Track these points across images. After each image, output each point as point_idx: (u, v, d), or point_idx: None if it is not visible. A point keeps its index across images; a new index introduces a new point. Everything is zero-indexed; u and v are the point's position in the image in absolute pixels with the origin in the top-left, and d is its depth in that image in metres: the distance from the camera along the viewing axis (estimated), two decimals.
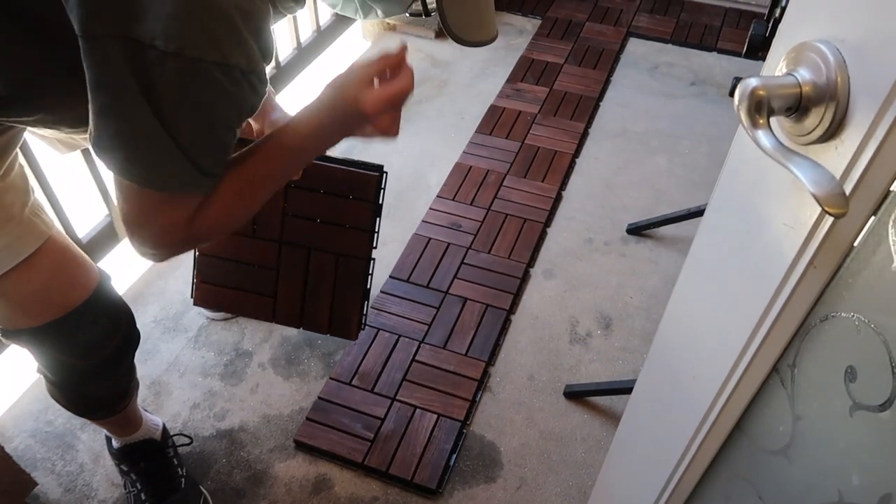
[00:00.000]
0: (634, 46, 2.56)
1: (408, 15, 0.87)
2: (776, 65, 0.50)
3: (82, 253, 0.97)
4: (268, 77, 0.80)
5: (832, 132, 0.45)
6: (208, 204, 0.77)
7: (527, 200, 1.91)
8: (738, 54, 2.52)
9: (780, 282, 0.51)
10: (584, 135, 2.15)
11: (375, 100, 0.80)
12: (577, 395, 1.47)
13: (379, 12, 0.86)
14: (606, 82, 2.37)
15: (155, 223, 0.75)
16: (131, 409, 1.19)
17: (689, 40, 2.57)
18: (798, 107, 0.46)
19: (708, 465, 0.73)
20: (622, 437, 0.97)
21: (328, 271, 1.27)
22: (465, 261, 1.73)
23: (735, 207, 0.59)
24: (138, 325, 1.07)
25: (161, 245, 0.77)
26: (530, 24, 2.67)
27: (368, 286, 1.27)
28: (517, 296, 1.67)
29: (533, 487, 1.32)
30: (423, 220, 1.84)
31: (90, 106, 0.67)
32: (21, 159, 0.90)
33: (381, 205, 1.25)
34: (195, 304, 1.33)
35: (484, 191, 1.93)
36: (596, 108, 2.26)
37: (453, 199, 1.91)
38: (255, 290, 1.29)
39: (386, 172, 1.24)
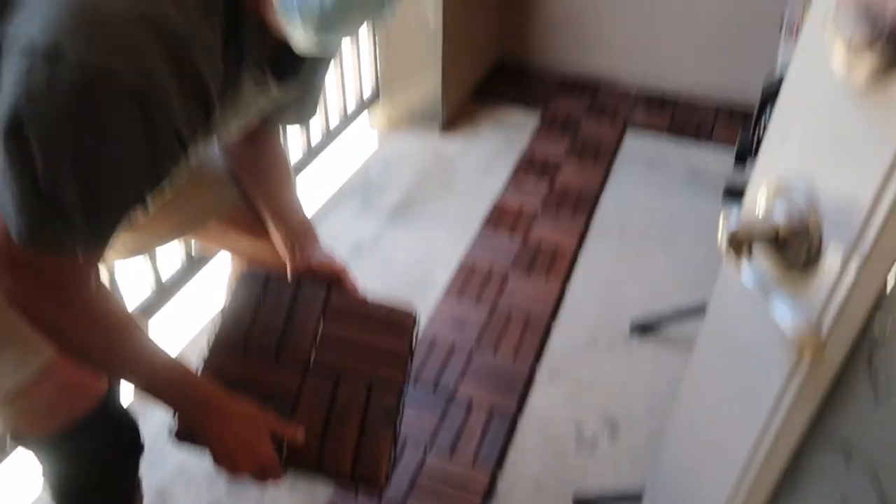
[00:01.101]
0: (632, 141, 2.66)
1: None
2: (756, 196, 0.54)
3: None
4: (194, 139, 0.71)
5: (810, 263, 0.49)
6: (83, 308, 0.76)
7: (531, 298, 1.95)
8: (731, 147, 2.60)
9: (770, 412, 0.54)
10: (585, 231, 2.21)
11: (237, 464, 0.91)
12: (586, 503, 1.46)
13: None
14: (605, 177, 2.45)
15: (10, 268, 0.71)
16: None
17: (685, 135, 2.67)
18: (777, 239, 0.51)
19: None
20: None
21: (357, 405, 1.10)
22: (470, 362, 1.76)
23: (724, 336, 0.62)
24: (146, 429, 1.09)
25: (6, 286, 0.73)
26: (531, 120, 2.77)
27: (399, 425, 1.12)
28: (523, 399, 1.68)
29: None
30: (429, 319, 1.87)
31: None
32: None
33: (414, 350, 1.22)
34: (176, 438, 0.97)
35: (489, 289, 1.97)
36: (596, 203, 2.33)
37: (458, 298, 1.94)
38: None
39: (418, 317, 1.25)
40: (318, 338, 1.14)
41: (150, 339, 0.88)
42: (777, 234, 0.51)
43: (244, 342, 1.09)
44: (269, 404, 1.01)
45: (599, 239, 2.19)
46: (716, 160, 2.56)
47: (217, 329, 1.09)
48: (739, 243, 0.50)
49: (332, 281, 1.21)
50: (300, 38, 0.72)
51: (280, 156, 1.20)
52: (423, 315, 1.89)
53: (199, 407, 0.89)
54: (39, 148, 0.62)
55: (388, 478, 1.05)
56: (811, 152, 0.50)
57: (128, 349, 0.84)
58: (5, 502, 1.44)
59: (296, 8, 0.68)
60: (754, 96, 1.18)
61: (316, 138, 2.32)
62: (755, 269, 0.49)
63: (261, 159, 1.14)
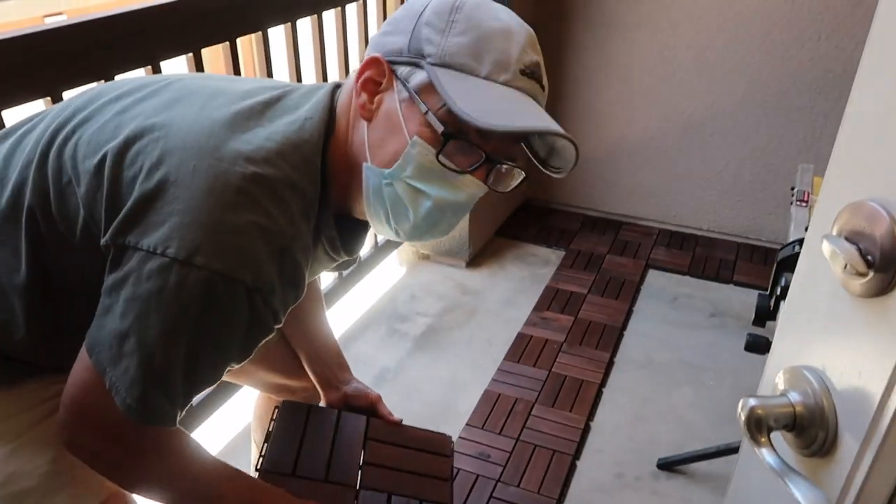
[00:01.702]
0: (654, 278, 2.72)
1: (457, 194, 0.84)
2: (773, 380, 0.58)
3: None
4: (285, 313, 0.81)
5: (827, 449, 0.52)
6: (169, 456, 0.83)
7: (555, 431, 1.93)
8: (753, 287, 2.64)
9: None
10: (610, 364, 2.22)
11: None
12: None
13: (428, 203, 0.83)
14: (629, 312, 2.49)
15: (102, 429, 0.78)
16: None
17: (706, 273, 2.73)
18: (794, 425, 0.53)
19: None
20: None
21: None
22: (493, 495, 1.72)
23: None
24: None
25: (91, 447, 0.80)
26: (554, 256, 2.87)
27: None
28: None
29: None
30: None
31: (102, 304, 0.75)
32: None
33: (455, 476, 1.30)
34: None
35: (513, 420, 1.96)
36: (620, 337, 2.35)
37: (482, 428, 1.93)
38: None
39: (454, 444, 1.31)
40: (364, 463, 1.17)
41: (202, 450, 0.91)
42: (794, 417, 0.53)
43: (293, 467, 1.12)
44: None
45: (624, 372, 2.19)
46: (738, 299, 2.59)
47: (265, 455, 1.12)
48: (759, 421, 0.52)
49: (368, 410, 1.25)
50: (390, 236, 0.89)
51: (316, 291, 1.28)
52: None
53: None
54: (161, 337, 0.72)
55: None
56: (821, 346, 0.53)
57: (191, 467, 0.88)
58: None
59: (392, 228, 0.85)
60: (773, 235, 1.24)
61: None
62: (775, 452, 0.51)
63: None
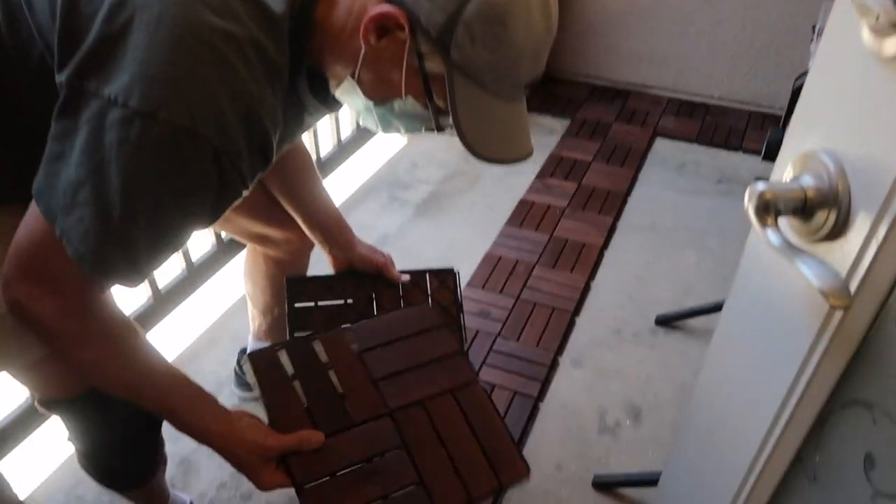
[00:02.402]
0: (661, 146, 2.66)
1: (423, 129, 0.86)
2: (784, 170, 0.55)
3: None
4: (253, 180, 0.79)
5: (837, 232, 0.49)
6: (103, 336, 0.80)
7: (556, 290, 1.94)
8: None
9: (797, 372, 0.54)
10: (613, 228, 2.20)
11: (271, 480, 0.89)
12: (605, 485, 1.44)
13: (401, 129, 0.88)
14: (634, 179, 2.45)
15: (47, 286, 0.74)
16: (157, 484, 1.21)
17: (715, 140, 2.66)
18: (804, 209, 0.51)
19: None
20: None
21: (456, 415, 1.04)
22: (493, 348, 1.76)
23: (752, 301, 0.63)
24: None
25: (34, 308, 0.75)
26: (560, 125, 2.79)
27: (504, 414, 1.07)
28: (545, 384, 1.67)
29: None
30: None
31: (49, 150, 0.70)
32: None
33: (461, 302, 1.26)
34: None
35: (513, 280, 1.98)
36: (624, 203, 2.33)
37: (483, 288, 1.95)
38: (395, 487, 0.95)
39: (458, 272, 1.29)
40: (373, 382, 1.05)
41: (152, 348, 0.88)
42: (805, 199, 0.50)
43: (310, 420, 0.99)
44: (384, 464, 0.96)
45: (627, 236, 2.19)
46: (746, 166, 2.54)
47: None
48: (767, 205, 0.50)
49: (376, 273, 1.24)
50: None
51: (304, 153, 1.23)
52: None
53: (199, 429, 0.89)
54: (121, 190, 0.68)
55: (525, 462, 1.02)
56: (840, 123, 0.50)
57: (129, 357, 0.85)
58: (39, 463, 1.48)
59: (355, 119, 0.81)
60: (785, 103, 1.18)
61: (346, 135, 2.36)
62: (780, 233, 0.49)
63: (287, 160, 1.18)
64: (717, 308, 1.77)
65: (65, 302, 0.76)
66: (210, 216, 0.77)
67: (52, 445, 1.50)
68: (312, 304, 1.23)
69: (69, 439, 1.06)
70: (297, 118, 0.86)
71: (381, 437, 1.00)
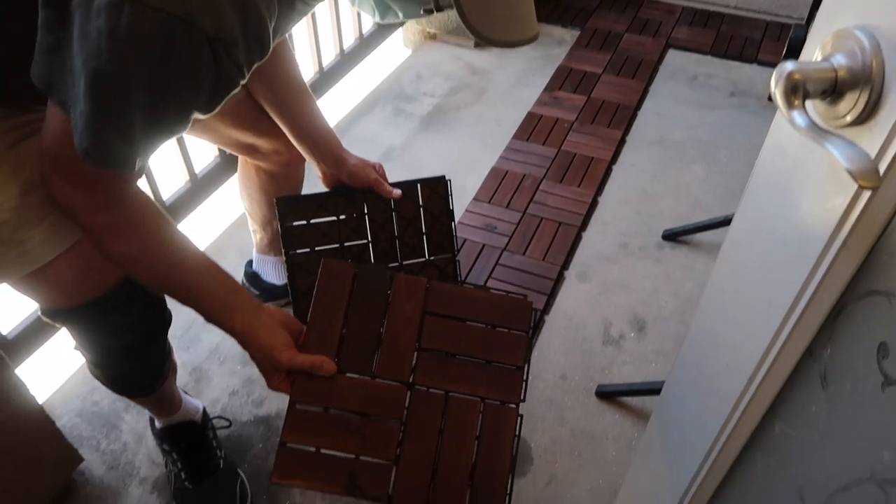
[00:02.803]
0: (673, 57, 2.57)
1: (422, 11, 0.83)
2: (812, 53, 0.52)
3: None
4: (250, 69, 0.77)
5: (867, 115, 0.47)
6: (135, 228, 0.83)
7: (562, 205, 1.93)
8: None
9: (814, 263, 0.53)
10: (621, 143, 2.16)
11: (295, 363, 0.91)
12: (609, 395, 1.47)
13: (399, 14, 0.85)
14: (644, 92, 2.38)
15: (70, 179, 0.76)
16: (168, 390, 1.23)
17: (729, 52, 2.57)
18: (833, 90, 0.48)
19: (738, 453, 0.74)
20: (653, 429, 0.98)
21: (471, 422, 0.96)
22: (499, 262, 1.76)
23: (770, 193, 0.61)
24: (181, 315, 1.11)
25: (66, 194, 0.78)
26: (569, 35, 2.69)
27: (516, 449, 0.97)
28: (551, 297, 1.68)
29: (563, 484, 1.33)
30: (459, 222, 1.87)
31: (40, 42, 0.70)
32: None
33: (453, 210, 1.27)
34: (274, 479, 0.91)
35: (520, 195, 1.96)
36: (633, 116, 2.27)
37: (489, 202, 1.93)
38: (367, 455, 0.93)
39: (450, 180, 1.27)
40: (418, 347, 0.99)
41: (192, 245, 0.90)
42: (835, 80, 0.48)
43: (336, 351, 0.97)
44: (374, 426, 0.94)
45: (636, 150, 2.15)
46: (761, 78, 2.46)
47: (304, 342, 0.96)
48: (795, 86, 0.47)
49: (367, 186, 1.22)
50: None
51: (293, 62, 1.18)
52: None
53: (224, 321, 0.91)
54: (118, 80, 0.67)
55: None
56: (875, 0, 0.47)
57: (161, 250, 0.87)
58: (55, 371, 1.51)
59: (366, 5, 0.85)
60: (804, 13, 1.12)
61: (348, 44, 2.29)
62: (808, 115, 0.46)
63: (275, 70, 1.14)
64: (725, 222, 1.75)
65: (93, 198, 0.79)
66: (207, 106, 0.75)
67: (67, 353, 1.53)
68: (304, 222, 1.22)
69: (76, 348, 1.08)
70: (289, 5, 0.83)
71: (388, 401, 0.95)
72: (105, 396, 1.48)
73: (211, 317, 0.90)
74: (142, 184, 1.04)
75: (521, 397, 0.97)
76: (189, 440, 1.29)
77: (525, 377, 0.99)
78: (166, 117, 0.73)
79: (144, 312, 1.06)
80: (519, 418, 0.97)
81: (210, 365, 1.54)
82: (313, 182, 1.31)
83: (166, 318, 1.12)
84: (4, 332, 1.38)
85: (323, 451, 0.92)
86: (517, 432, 0.96)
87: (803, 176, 0.54)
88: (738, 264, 0.69)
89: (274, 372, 0.92)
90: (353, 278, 1.00)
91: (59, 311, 0.97)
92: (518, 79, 2.46)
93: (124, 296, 0.99)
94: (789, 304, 0.56)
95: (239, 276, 1.69)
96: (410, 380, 0.97)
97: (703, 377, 0.81)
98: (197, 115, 0.76)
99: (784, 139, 0.56)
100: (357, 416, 0.94)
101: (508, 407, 0.97)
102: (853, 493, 0.52)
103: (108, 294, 0.96)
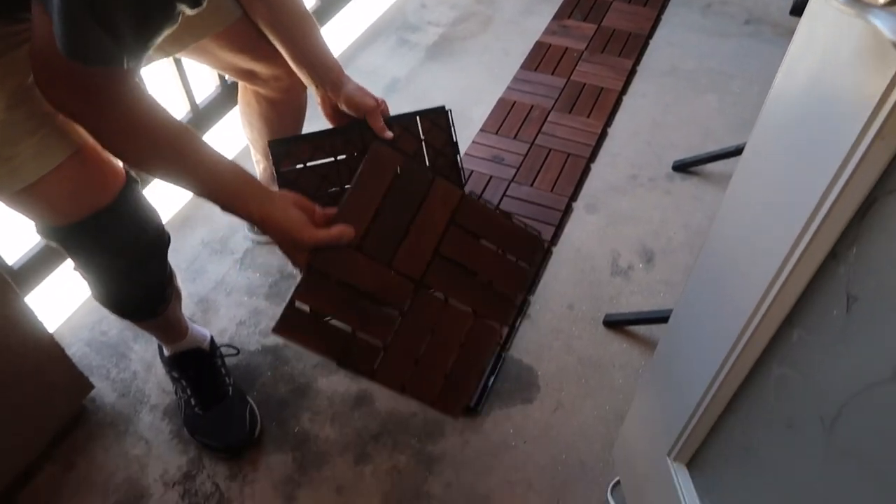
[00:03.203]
0: None
1: None
2: None
3: (110, 156, 0.99)
4: None
5: None
6: (127, 111, 0.81)
7: (571, 136, 1.89)
8: None
9: (846, 156, 0.50)
10: (632, 72, 2.10)
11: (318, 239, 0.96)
12: (616, 324, 1.47)
13: None
14: (657, 20, 2.31)
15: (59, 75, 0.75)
16: (173, 316, 1.23)
17: None
18: None
19: (751, 366, 0.73)
20: (662, 352, 0.97)
21: (460, 330, 1.08)
22: (506, 193, 1.73)
23: (800, 88, 0.58)
24: (187, 247, 1.10)
25: (58, 89, 0.77)
26: None
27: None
28: (559, 228, 1.66)
29: (569, 410, 1.34)
30: (465, 154, 1.84)
31: None
32: None
33: (457, 141, 1.22)
34: (275, 331, 0.98)
35: (528, 126, 1.91)
36: (645, 45, 2.21)
37: (496, 134, 1.89)
38: (364, 334, 1.03)
39: (450, 111, 1.22)
40: (436, 253, 1.06)
41: (201, 142, 0.90)
42: None
43: (363, 232, 1.02)
44: (377, 310, 1.03)
45: (647, 80, 2.09)
46: (777, 5, 2.38)
47: (344, 204, 1.02)
48: None
49: (364, 115, 1.17)
50: None
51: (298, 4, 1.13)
52: (461, 149, 1.86)
53: (241, 206, 0.95)
54: None
55: (462, 409, 1.09)
56: None
57: (171, 148, 0.87)
58: (63, 301, 1.51)
59: None
60: None
61: None
62: None
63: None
64: (737, 152, 1.71)
65: (88, 100, 0.78)
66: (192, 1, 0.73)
67: (73, 284, 1.53)
68: (301, 166, 1.16)
69: (75, 269, 1.07)
70: None
71: (395, 291, 1.04)
72: (113, 326, 1.48)
73: (228, 208, 0.94)
74: None
75: (509, 323, 1.12)
76: (197, 367, 1.30)
77: (519, 307, 1.15)
78: (151, 8, 0.71)
79: (142, 230, 1.04)
80: (498, 344, 1.13)
81: (217, 296, 1.54)
82: (316, 114, 1.28)
83: (164, 239, 1.10)
84: (10, 263, 1.37)
85: (325, 320, 1.01)
86: (491, 354, 1.12)
87: (836, 65, 0.51)
88: (761, 167, 0.66)
89: (297, 251, 0.97)
90: (396, 171, 1.05)
91: (54, 230, 0.95)
92: (526, 7, 2.38)
93: (120, 214, 0.98)
94: (816, 202, 0.54)
95: None
96: (420, 279, 1.05)
97: (716, 293, 0.79)
98: (184, 9, 0.73)
99: (817, 26, 0.53)
100: (365, 297, 1.02)
101: (492, 331, 1.10)
102: (874, 393, 0.51)
103: (102, 211, 0.94)
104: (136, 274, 1.08)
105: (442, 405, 1.07)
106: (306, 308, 1.01)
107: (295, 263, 1.00)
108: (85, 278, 1.08)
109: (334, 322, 1.03)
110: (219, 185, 0.93)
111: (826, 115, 0.54)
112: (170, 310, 1.19)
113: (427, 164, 1.22)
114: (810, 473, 0.61)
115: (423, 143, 1.21)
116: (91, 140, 0.92)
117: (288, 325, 0.98)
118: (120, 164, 0.99)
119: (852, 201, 0.52)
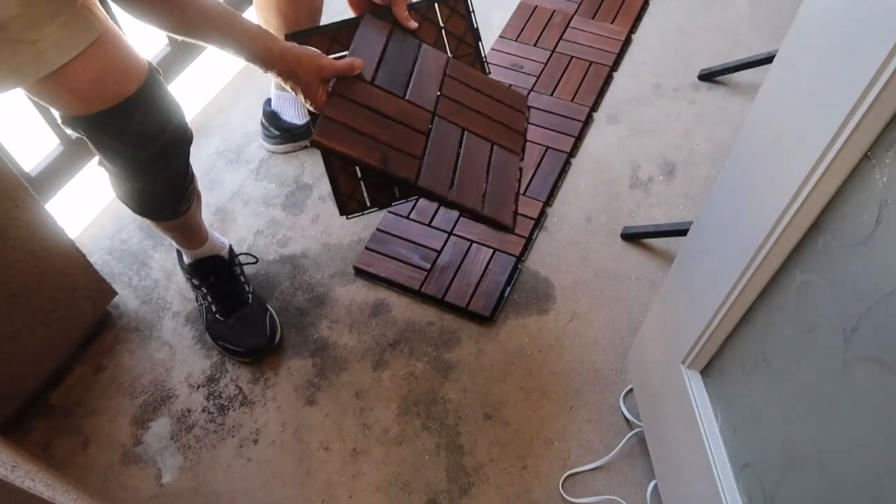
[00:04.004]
0: None
1: None
2: None
3: (132, 45, 0.97)
4: None
5: None
6: None
7: (594, 43, 1.81)
8: None
9: (890, 50, 0.48)
10: None
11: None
12: (634, 236, 1.46)
13: None
14: None
15: None
16: (193, 217, 1.22)
17: None
18: None
19: (773, 274, 0.73)
20: (681, 262, 0.96)
21: (482, 153, 1.17)
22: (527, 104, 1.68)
23: None
24: (203, 156, 1.08)
25: None
26: None
27: (518, 187, 1.19)
28: (579, 139, 1.63)
29: (584, 320, 1.35)
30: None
31: None
32: None
33: (478, 27, 1.27)
34: (314, 140, 0.99)
35: (549, 32, 1.84)
36: None
37: (516, 40, 1.83)
38: (398, 146, 1.06)
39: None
40: (441, 95, 1.16)
41: None
42: None
43: (372, 75, 1.09)
44: (402, 129, 1.07)
45: None
46: None
47: (353, 46, 1.10)
48: None
49: (390, 1, 1.14)
50: None
51: None
52: None
53: (248, 48, 0.97)
54: None
55: (515, 219, 1.16)
56: None
57: (190, 12, 0.91)
58: (84, 209, 1.52)
59: None
60: None
61: None
62: None
63: None
64: (767, 60, 1.64)
65: None
66: None
67: (92, 193, 1.53)
68: None
69: (99, 163, 1.06)
70: None
71: (416, 117, 1.10)
72: (133, 235, 1.50)
73: (249, 57, 0.98)
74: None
75: (521, 156, 1.22)
76: (217, 274, 1.31)
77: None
78: None
79: (166, 121, 1.03)
80: (520, 169, 1.21)
81: (234, 206, 1.54)
82: (330, 12, 1.23)
83: (188, 134, 1.08)
84: (28, 170, 1.37)
85: (360, 130, 1.05)
86: (518, 178, 1.20)
87: None
88: (796, 70, 0.63)
89: (318, 86, 1.02)
90: (389, 32, 1.15)
91: (79, 119, 0.95)
92: None
93: (144, 104, 0.96)
94: (855, 99, 0.51)
95: (257, 117, 1.64)
96: (433, 110, 1.13)
97: (742, 199, 0.77)
98: None
99: None
100: (387, 117, 1.08)
101: (514, 156, 1.20)
102: None
103: (126, 100, 0.93)
104: (160, 167, 1.07)
105: (491, 218, 1.12)
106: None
107: (315, 101, 1.03)
108: (109, 172, 1.08)
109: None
110: (237, 33, 0.96)
111: (868, 10, 0.51)
112: (191, 212, 1.19)
113: (448, 52, 1.21)
114: (828, 378, 0.62)
115: (444, 31, 1.19)
116: (113, 27, 0.91)
117: (327, 131, 1.01)
118: (140, 54, 0.97)
119: (894, 99, 0.50)
